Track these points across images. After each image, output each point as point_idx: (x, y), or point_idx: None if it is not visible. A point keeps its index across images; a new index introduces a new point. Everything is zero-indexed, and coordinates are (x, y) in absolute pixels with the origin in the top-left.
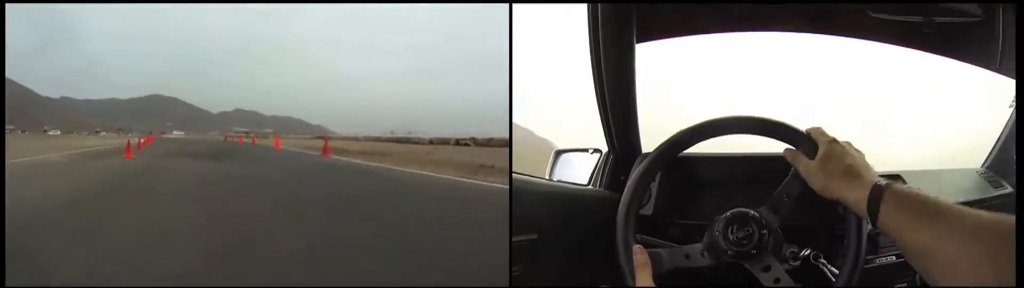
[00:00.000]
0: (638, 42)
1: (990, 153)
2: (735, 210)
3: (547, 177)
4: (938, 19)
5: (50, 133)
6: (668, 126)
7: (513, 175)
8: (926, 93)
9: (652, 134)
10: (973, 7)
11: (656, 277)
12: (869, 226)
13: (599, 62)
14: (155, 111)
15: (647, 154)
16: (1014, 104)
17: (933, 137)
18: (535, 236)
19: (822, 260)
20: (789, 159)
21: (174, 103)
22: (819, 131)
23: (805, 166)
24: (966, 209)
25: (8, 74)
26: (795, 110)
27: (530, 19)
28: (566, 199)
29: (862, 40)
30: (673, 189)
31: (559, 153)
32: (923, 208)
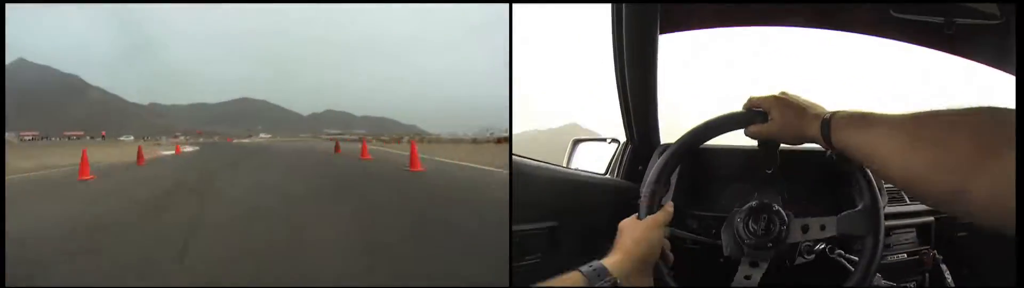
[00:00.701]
0: (662, 33)
1: None
2: (757, 202)
3: (565, 165)
4: (959, 20)
5: (122, 139)
6: (686, 117)
7: (527, 161)
8: (946, 96)
9: (669, 125)
10: (994, 8)
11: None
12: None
13: (622, 52)
14: (244, 114)
15: (666, 145)
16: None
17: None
18: (555, 223)
19: (839, 251)
20: (750, 134)
21: (263, 106)
22: (756, 98)
23: (770, 128)
24: (905, 113)
25: (95, 82)
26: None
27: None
28: (584, 187)
29: (882, 38)
30: (693, 180)
31: (577, 142)
32: (862, 119)
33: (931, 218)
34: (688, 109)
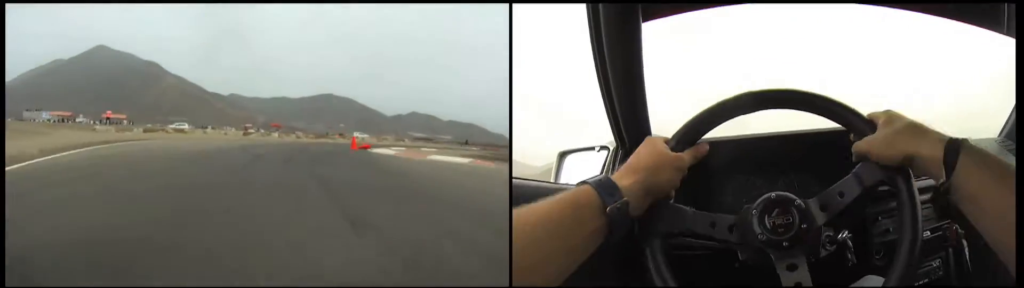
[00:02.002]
0: (644, 20)
1: (1007, 121)
2: (780, 193)
3: (552, 181)
4: None
5: (172, 127)
6: (678, 113)
7: (515, 181)
8: (937, 60)
9: (662, 123)
10: None
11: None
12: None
13: (602, 47)
14: (326, 111)
15: None
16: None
17: (946, 107)
18: None
19: (849, 252)
20: (857, 149)
21: (346, 104)
22: (873, 113)
23: (868, 139)
24: None
25: (177, 71)
26: (808, 82)
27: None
28: None
29: (871, 5)
30: (695, 179)
31: (564, 155)
32: (1003, 167)
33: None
34: (681, 106)
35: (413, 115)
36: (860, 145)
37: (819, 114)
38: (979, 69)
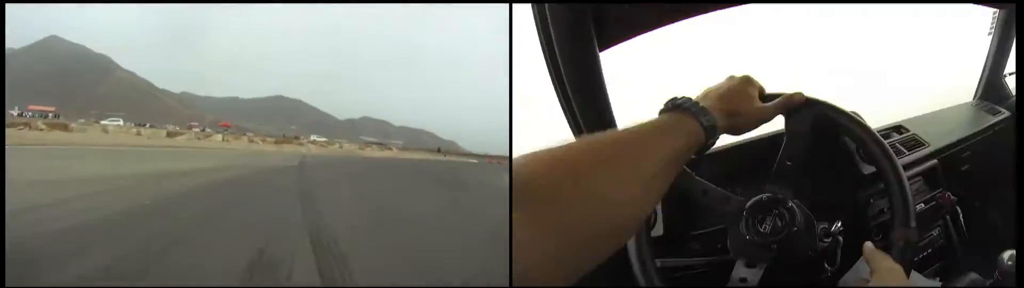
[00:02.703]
0: (600, 50)
1: (979, 83)
2: (755, 199)
3: None
4: None
5: (104, 122)
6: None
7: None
8: (906, 37)
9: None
10: None
11: None
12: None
13: (561, 76)
14: (277, 113)
15: None
16: (991, 32)
17: (922, 79)
18: None
19: (840, 237)
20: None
21: (298, 106)
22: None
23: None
24: None
25: (129, 66)
26: (783, 77)
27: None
28: None
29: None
30: (677, 200)
31: None
32: None
33: (934, 161)
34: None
35: (365, 119)
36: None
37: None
38: (950, 39)
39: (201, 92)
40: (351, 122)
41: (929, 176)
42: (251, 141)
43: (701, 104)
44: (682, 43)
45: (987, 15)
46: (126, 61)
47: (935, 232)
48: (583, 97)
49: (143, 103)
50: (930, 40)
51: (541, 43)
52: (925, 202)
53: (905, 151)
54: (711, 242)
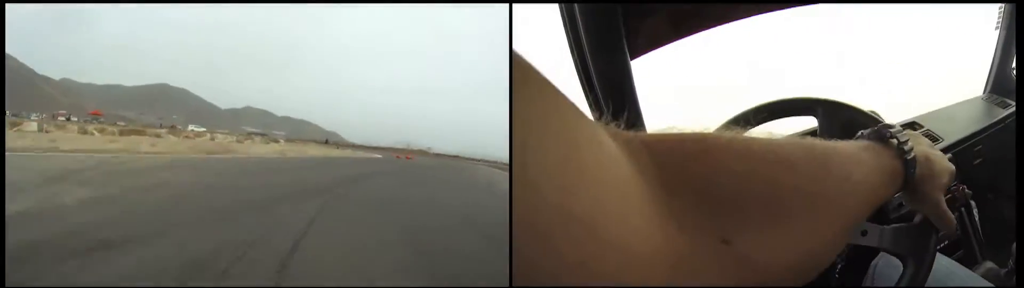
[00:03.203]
0: (632, 58)
1: (988, 77)
2: None
3: None
4: None
5: None
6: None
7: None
8: (918, 37)
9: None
10: None
11: None
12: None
13: (591, 83)
14: (159, 101)
15: None
16: (998, 26)
17: (935, 73)
18: None
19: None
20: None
21: (182, 95)
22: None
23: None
24: None
25: (9, 50)
26: (801, 83)
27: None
28: None
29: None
30: None
31: None
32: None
33: (949, 155)
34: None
35: (248, 109)
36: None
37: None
38: (960, 35)
39: (83, 79)
40: (234, 112)
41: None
42: (83, 132)
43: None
44: (702, 48)
45: (993, 10)
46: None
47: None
48: (614, 101)
49: (20, 90)
50: (939, 36)
51: (571, 47)
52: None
53: None
54: None
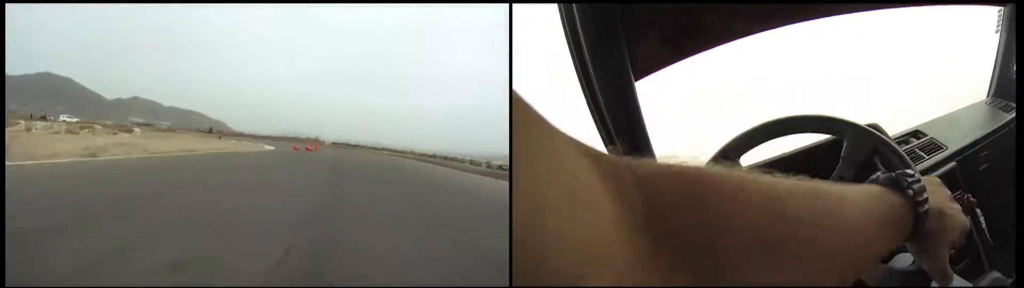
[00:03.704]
0: (636, 80)
1: (991, 81)
2: None
3: None
4: None
5: None
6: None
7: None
8: (919, 45)
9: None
10: None
11: None
12: None
13: (596, 98)
14: (43, 92)
15: None
16: (998, 29)
17: (938, 80)
18: None
19: None
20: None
21: (66, 84)
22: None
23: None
24: None
25: None
26: (808, 87)
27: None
28: None
29: (852, 14)
30: None
31: None
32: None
33: (953, 163)
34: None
35: (135, 100)
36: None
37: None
38: (962, 41)
39: None
40: (120, 102)
41: (948, 179)
42: None
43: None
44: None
45: (992, 14)
46: None
47: None
48: (615, 110)
49: None
50: (940, 42)
51: (582, 87)
52: None
53: (924, 155)
54: None
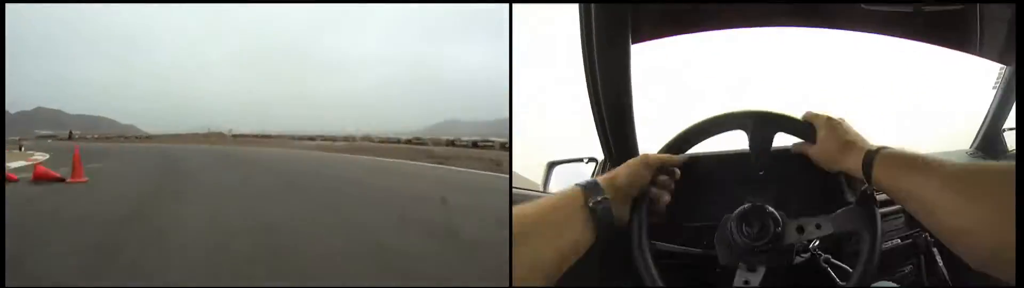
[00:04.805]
0: (634, 43)
1: (977, 134)
2: (748, 205)
3: (542, 190)
4: (927, 8)
5: None
6: (664, 129)
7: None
8: (914, 80)
9: (649, 138)
10: None
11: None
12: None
13: (593, 65)
14: None
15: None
16: (996, 86)
17: (924, 122)
18: None
19: (827, 256)
20: (797, 151)
21: None
22: (811, 114)
23: (812, 151)
24: (948, 159)
25: None
26: (788, 103)
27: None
28: None
29: (853, 32)
30: (678, 191)
31: (552, 165)
32: (910, 162)
33: None
34: (666, 122)
35: (39, 110)
36: (801, 148)
37: (767, 129)
38: (956, 89)
39: None
40: (23, 114)
41: (910, 215)
42: None
43: (597, 182)
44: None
45: (993, 70)
46: None
47: (907, 269)
48: (611, 100)
49: None
50: (940, 82)
51: (583, 52)
52: (902, 238)
53: None
54: (700, 236)
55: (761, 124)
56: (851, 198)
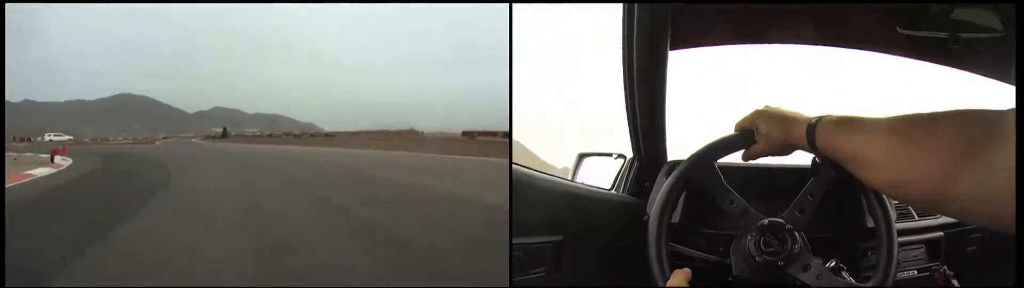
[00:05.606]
0: (673, 49)
1: None
2: (769, 220)
3: (570, 178)
4: (964, 35)
5: None
6: (694, 135)
7: (529, 171)
8: (942, 105)
9: (677, 143)
10: (995, 21)
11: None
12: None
13: (632, 67)
14: (123, 112)
15: (674, 162)
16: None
17: None
18: (561, 238)
19: (844, 273)
20: (747, 158)
21: (145, 102)
22: (742, 120)
23: (759, 147)
24: (889, 117)
25: None
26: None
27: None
28: (589, 202)
29: (888, 55)
30: (701, 198)
31: (582, 156)
32: (851, 124)
33: (940, 233)
34: (697, 127)
35: (217, 110)
36: (748, 153)
37: (726, 154)
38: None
39: (43, 98)
40: (202, 114)
41: (931, 246)
42: None
43: None
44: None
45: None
46: None
47: None
48: (645, 103)
49: None
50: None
51: (623, 55)
52: (920, 270)
53: (916, 216)
54: (716, 243)
55: (701, 161)
56: (871, 223)
